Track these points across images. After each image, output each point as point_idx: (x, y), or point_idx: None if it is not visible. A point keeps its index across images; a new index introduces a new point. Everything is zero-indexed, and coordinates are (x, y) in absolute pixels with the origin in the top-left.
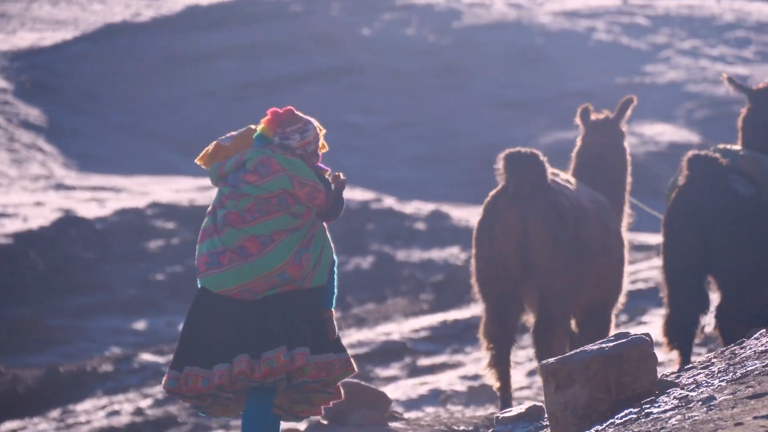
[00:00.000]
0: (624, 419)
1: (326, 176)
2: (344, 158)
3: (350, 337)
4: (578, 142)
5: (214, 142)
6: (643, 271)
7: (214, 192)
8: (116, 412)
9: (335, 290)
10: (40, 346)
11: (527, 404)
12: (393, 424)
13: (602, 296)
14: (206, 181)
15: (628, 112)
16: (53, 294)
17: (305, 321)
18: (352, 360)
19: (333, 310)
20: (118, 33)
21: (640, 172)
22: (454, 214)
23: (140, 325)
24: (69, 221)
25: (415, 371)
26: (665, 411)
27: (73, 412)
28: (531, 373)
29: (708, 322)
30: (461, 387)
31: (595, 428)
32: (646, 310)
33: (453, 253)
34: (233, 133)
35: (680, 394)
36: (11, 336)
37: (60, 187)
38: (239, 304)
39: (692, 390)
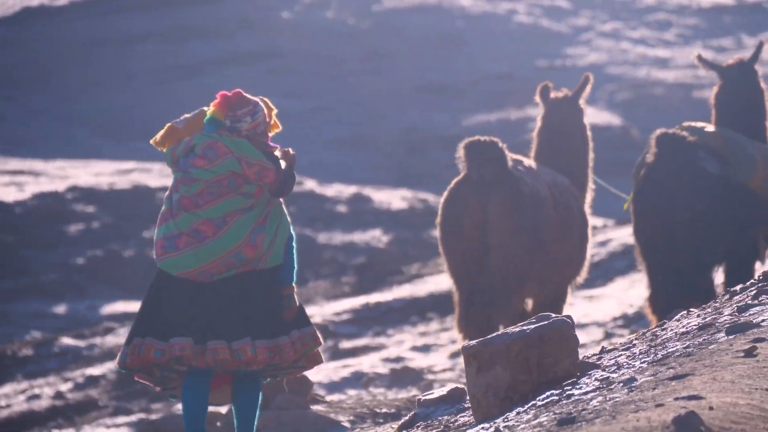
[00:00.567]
0: (545, 401)
1: (275, 153)
2: None
3: None
4: (539, 121)
5: (168, 125)
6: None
7: (132, 175)
8: (36, 396)
9: (295, 265)
10: None
11: (449, 386)
12: (315, 407)
13: (558, 276)
14: (126, 165)
15: (587, 90)
16: None
17: (263, 306)
18: (317, 332)
19: (294, 285)
20: (36, 16)
21: None
22: (375, 197)
23: (61, 309)
24: None
25: (337, 354)
26: (586, 392)
27: None
28: (454, 356)
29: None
30: (383, 369)
31: (516, 410)
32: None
33: (375, 236)
34: (187, 115)
35: (601, 375)
36: None
37: None
38: (197, 285)
39: (613, 372)
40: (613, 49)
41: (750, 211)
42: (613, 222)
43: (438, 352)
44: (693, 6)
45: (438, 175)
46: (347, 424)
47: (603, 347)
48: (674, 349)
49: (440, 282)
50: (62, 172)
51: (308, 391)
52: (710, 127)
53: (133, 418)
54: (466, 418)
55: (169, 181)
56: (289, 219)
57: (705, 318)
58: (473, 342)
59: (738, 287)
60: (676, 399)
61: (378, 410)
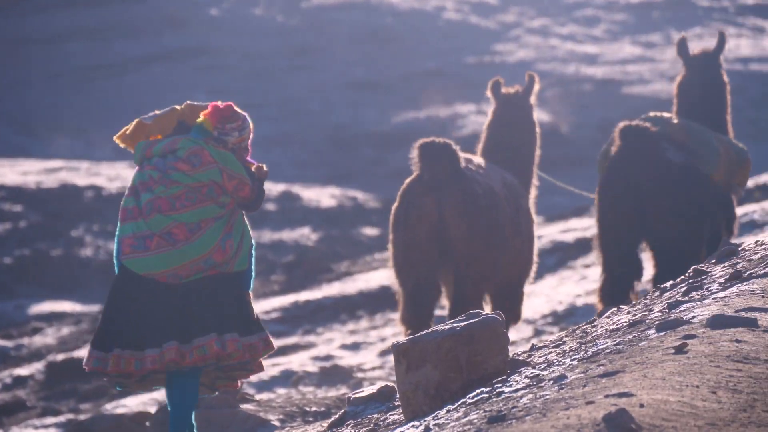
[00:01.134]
0: (475, 398)
1: (252, 169)
2: None
3: None
4: (489, 115)
5: (136, 120)
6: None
7: (60, 174)
8: None
9: (253, 273)
10: None
11: (379, 384)
12: (244, 406)
13: (515, 274)
14: (54, 164)
15: (536, 86)
16: None
17: (232, 305)
18: (270, 338)
19: (251, 292)
20: None
21: None
22: (304, 195)
23: None
24: None
25: None
26: (517, 390)
27: None
28: (383, 353)
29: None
30: (313, 368)
31: (446, 408)
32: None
33: (304, 234)
34: (157, 111)
35: (532, 373)
36: None
37: None
38: (164, 286)
39: (544, 369)
40: (542, 46)
41: (713, 201)
42: (542, 219)
43: (368, 350)
44: (621, 2)
45: (367, 172)
46: (277, 423)
47: (533, 344)
48: (604, 346)
49: (370, 280)
50: None
51: (237, 390)
52: (674, 119)
53: (62, 418)
54: (396, 417)
55: (96, 180)
56: (250, 230)
57: (635, 315)
58: (403, 339)
59: (668, 284)
60: (607, 396)
61: (308, 409)
